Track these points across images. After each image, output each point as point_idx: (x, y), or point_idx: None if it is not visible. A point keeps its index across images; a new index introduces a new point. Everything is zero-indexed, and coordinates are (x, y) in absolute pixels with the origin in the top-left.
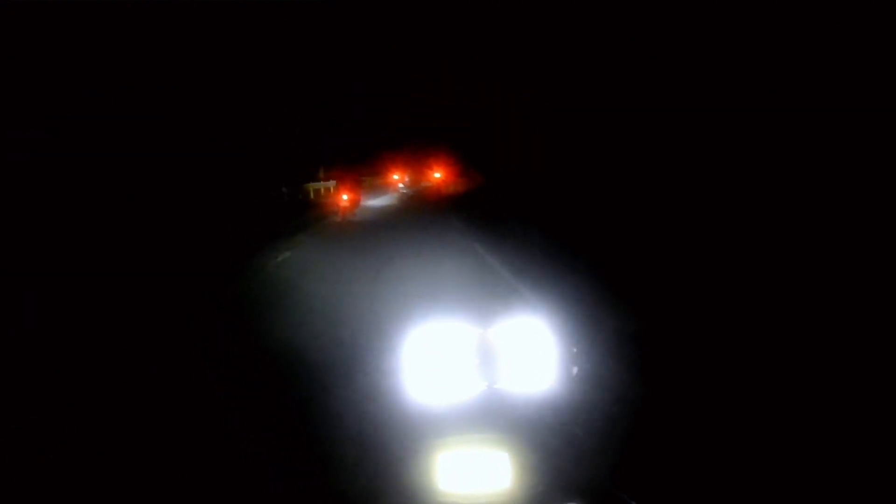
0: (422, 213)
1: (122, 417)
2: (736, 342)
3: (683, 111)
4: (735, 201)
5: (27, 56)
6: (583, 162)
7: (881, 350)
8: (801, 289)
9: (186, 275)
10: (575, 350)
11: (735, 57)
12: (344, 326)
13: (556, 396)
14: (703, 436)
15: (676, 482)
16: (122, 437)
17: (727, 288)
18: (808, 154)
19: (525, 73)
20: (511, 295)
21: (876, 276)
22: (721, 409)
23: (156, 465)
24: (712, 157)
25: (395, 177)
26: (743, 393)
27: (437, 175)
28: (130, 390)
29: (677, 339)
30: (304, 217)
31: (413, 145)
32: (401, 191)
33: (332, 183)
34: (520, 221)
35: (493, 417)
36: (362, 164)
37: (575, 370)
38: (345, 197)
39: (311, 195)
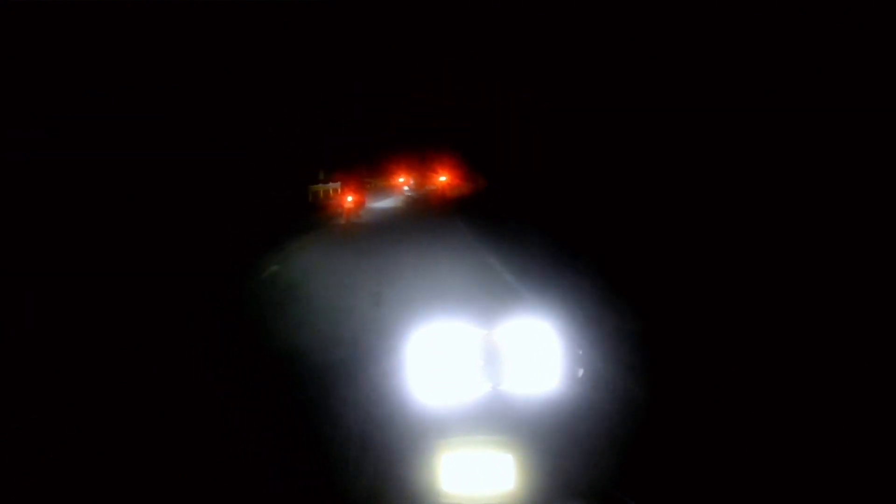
0: (426, 215)
1: (122, 417)
2: (739, 341)
3: (684, 111)
4: (736, 200)
5: (27, 56)
6: (583, 162)
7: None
8: (802, 286)
9: (187, 275)
10: (580, 351)
11: (735, 57)
12: (347, 327)
13: (560, 398)
14: (706, 437)
15: (680, 484)
16: (122, 437)
17: (729, 285)
18: (808, 154)
19: (525, 73)
20: (515, 296)
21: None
22: (724, 410)
23: (156, 464)
24: (713, 157)
25: (401, 179)
26: (746, 393)
27: (442, 178)
28: (131, 390)
29: (681, 340)
30: (308, 220)
31: (417, 149)
32: (406, 193)
33: (337, 185)
34: (522, 223)
35: (497, 419)
36: (368, 167)
37: (580, 372)
38: (349, 199)
39: (321, 195)
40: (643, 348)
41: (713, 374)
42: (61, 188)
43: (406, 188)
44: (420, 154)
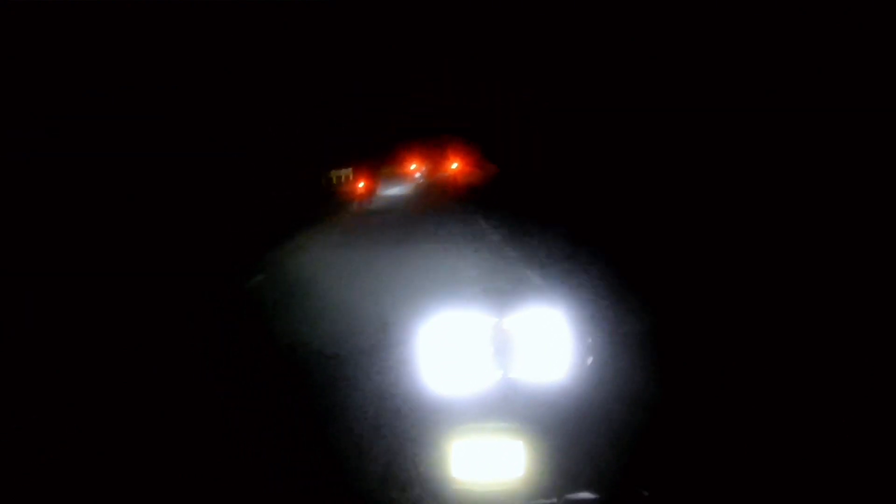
0: (438, 201)
1: (123, 417)
2: (750, 332)
3: (684, 111)
4: (736, 199)
5: (27, 56)
6: (594, 153)
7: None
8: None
9: (192, 273)
10: (590, 340)
11: (735, 57)
12: (361, 315)
13: (570, 386)
14: (716, 428)
15: (689, 472)
16: (128, 435)
17: (738, 279)
18: (808, 154)
19: (525, 73)
20: (526, 285)
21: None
22: (735, 401)
23: (161, 458)
24: (715, 157)
25: (412, 167)
26: (756, 384)
27: (454, 166)
28: (134, 388)
29: (691, 331)
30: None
31: (429, 136)
32: (417, 180)
33: (349, 171)
34: (535, 212)
35: (508, 407)
36: (379, 154)
37: (590, 360)
38: (361, 185)
39: (333, 182)
40: (653, 337)
41: (724, 364)
42: (61, 188)
43: (418, 175)
44: (432, 141)
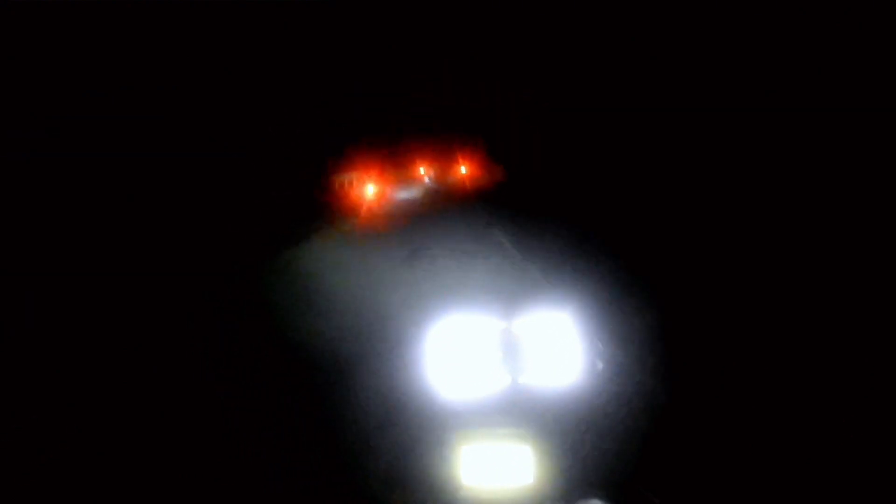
0: (446, 204)
1: (123, 417)
2: (763, 337)
3: (684, 111)
4: (742, 197)
5: (27, 56)
6: (601, 153)
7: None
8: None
9: (192, 273)
10: (599, 344)
11: (735, 57)
12: (368, 318)
13: (580, 391)
14: (728, 433)
15: (700, 478)
16: (129, 435)
17: (750, 279)
18: (808, 153)
19: (525, 73)
20: (535, 289)
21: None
22: (747, 406)
23: (162, 459)
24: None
25: (421, 170)
26: (769, 390)
27: (463, 170)
28: (134, 388)
29: (703, 334)
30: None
31: (438, 140)
32: (426, 184)
33: (353, 175)
34: (543, 214)
35: (517, 411)
36: (386, 157)
37: (599, 364)
38: (367, 189)
39: (337, 186)
40: (664, 340)
41: (737, 369)
42: (61, 188)
43: (427, 179)
44: (440, 145)
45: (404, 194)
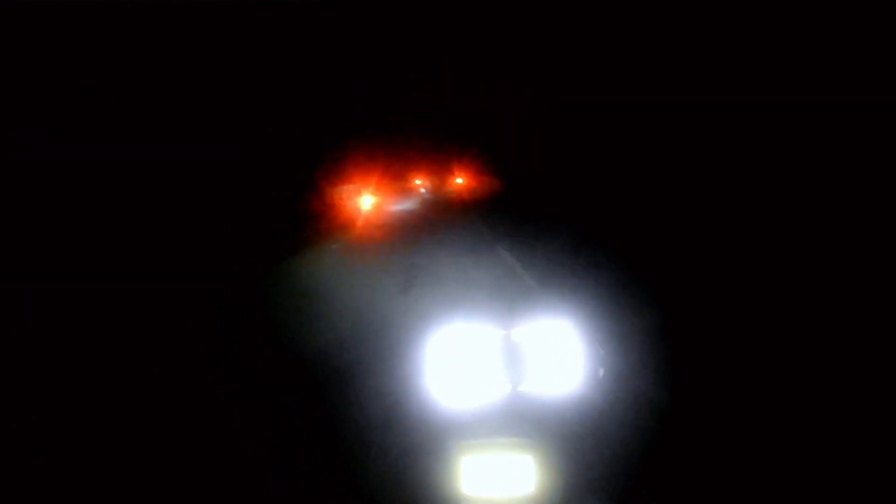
0: (443, 214)
1: (123, 417)
2: (771, 343)
3: (684, 111)
4: (743, 199)
5: (27, 56)
6: (599, 158)
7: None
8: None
9: (193, 273)
10: (601, 351)
11: (735, 57)
12: (366, 326)
13: (581, 399)
14: (734, 443)
15: (706, 488)
16: (129, 435)
17: (755, 283)
18: (809, 154)
19: (525, 73)
20: (535, 296)
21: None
22: (755, 416)
23: (162, 459)
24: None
25: (417, 181)
26: (777, 398)
27: (459, 180)
28: (134, 388)
29: (709, 342)
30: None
31: (433, 150)
32: (422, 195)
33: (349, 187)
34: (542, 221)
35: (518, 420)
36: (381, 169)
37: (601, 372)
38: (362, 200)
39: (332, 197)
40: (668, 348)
41: (743, 377)
42: (61, 188)
43: (423, 190)
44: (436, 155)
45: (402, 205)
